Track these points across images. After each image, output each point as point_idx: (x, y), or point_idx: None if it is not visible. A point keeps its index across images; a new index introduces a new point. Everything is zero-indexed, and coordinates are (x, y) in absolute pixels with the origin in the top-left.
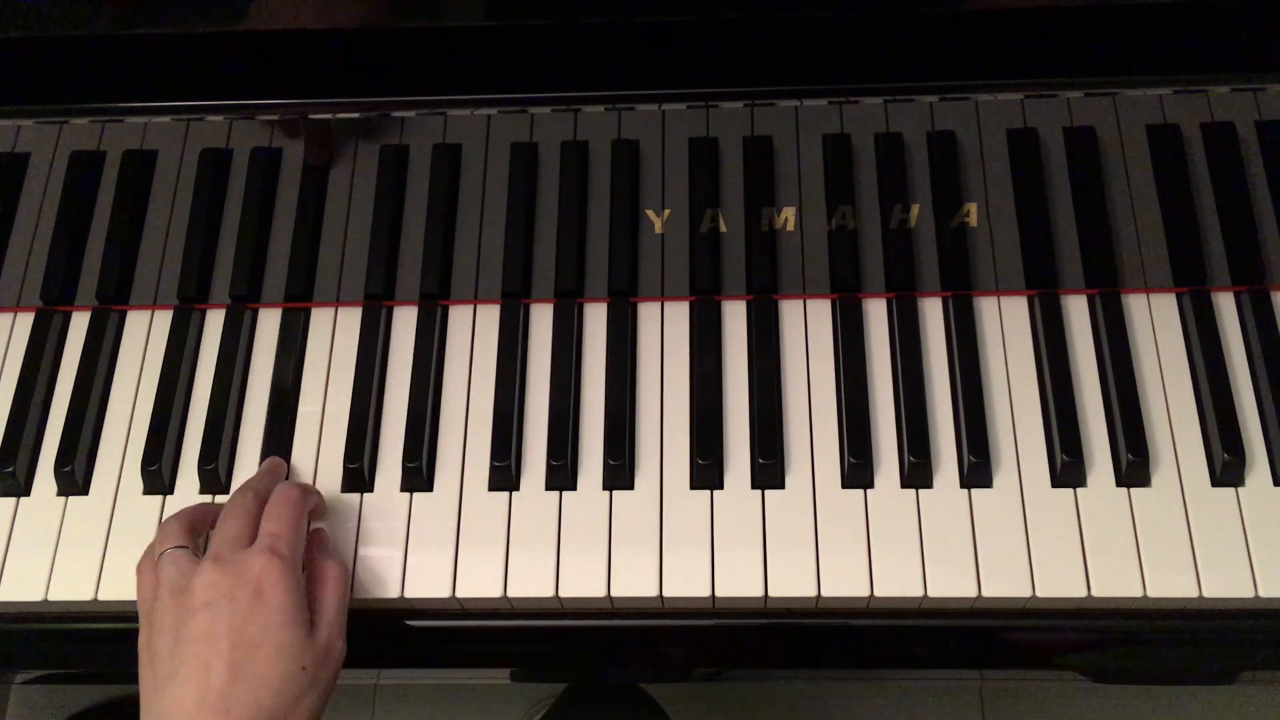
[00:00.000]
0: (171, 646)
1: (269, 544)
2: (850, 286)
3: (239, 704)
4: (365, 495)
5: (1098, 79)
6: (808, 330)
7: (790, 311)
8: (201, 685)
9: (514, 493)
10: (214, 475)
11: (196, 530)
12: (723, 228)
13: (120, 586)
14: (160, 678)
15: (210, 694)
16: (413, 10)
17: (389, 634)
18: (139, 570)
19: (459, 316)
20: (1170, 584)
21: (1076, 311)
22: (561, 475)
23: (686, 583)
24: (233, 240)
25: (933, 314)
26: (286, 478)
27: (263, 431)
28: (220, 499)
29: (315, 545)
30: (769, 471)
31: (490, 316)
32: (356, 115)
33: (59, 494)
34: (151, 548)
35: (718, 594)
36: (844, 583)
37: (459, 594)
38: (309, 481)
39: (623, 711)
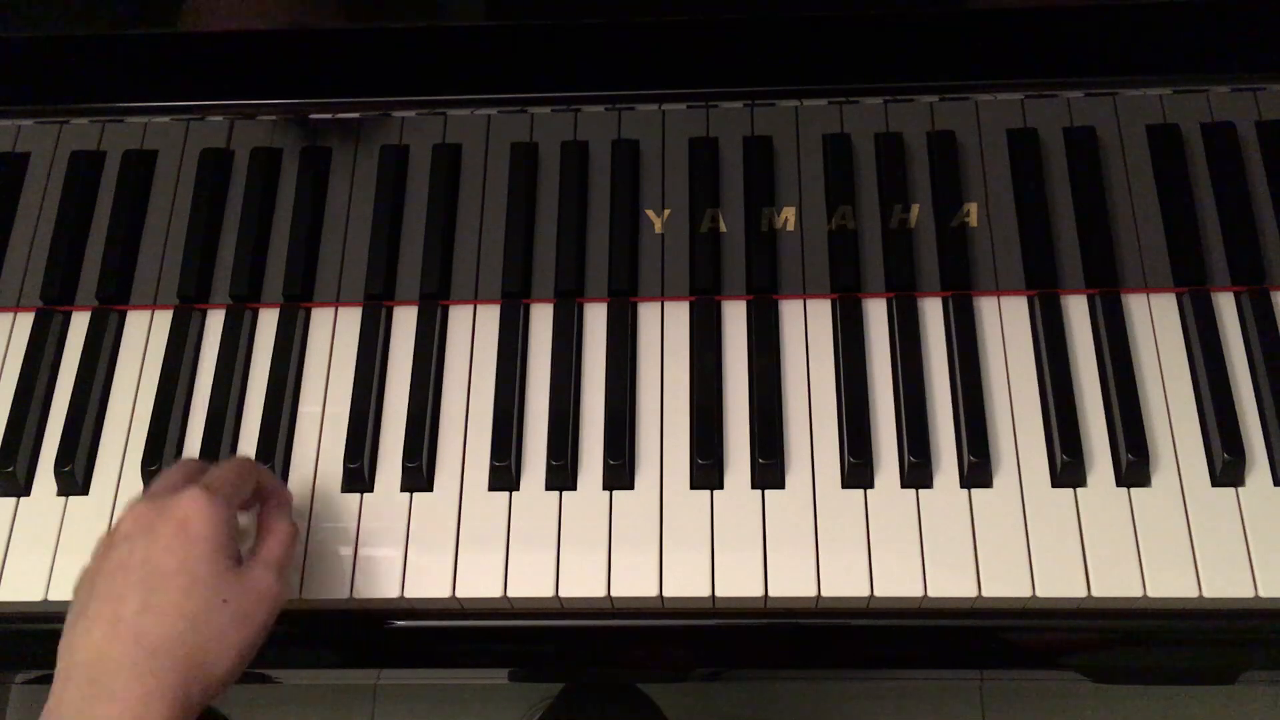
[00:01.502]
0: (89, 581)
1: (203, 481)
2: (850, 286)
3: (150, 633)
4: (365, 495)
5: (1098, 79)
6: (808, 330)
7: (790, 311)
8: (112, 615)
9: (514, 493)
10: None
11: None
12: (723, 228)
13: None
14: (76, 611)
15: (120, 624)
16: (413, 10)
17: (389, 634)
18: None
19: (459, 316)
20: (1170, 584)
21: (1076, 311)
22: (561, 475)
23: (686, 583)
24: (233, 240)
25: (933, 314)
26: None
27: (262, 431)
28: None
29: (272, 503)
30: (769, 471)
31: (490, 316)
32: (357, 115)
33: (59, 494)
34: None
35: (718, 594)
36: (844, 583)
37: (459, 594)
38: (308, 481)
39: (619, 711)
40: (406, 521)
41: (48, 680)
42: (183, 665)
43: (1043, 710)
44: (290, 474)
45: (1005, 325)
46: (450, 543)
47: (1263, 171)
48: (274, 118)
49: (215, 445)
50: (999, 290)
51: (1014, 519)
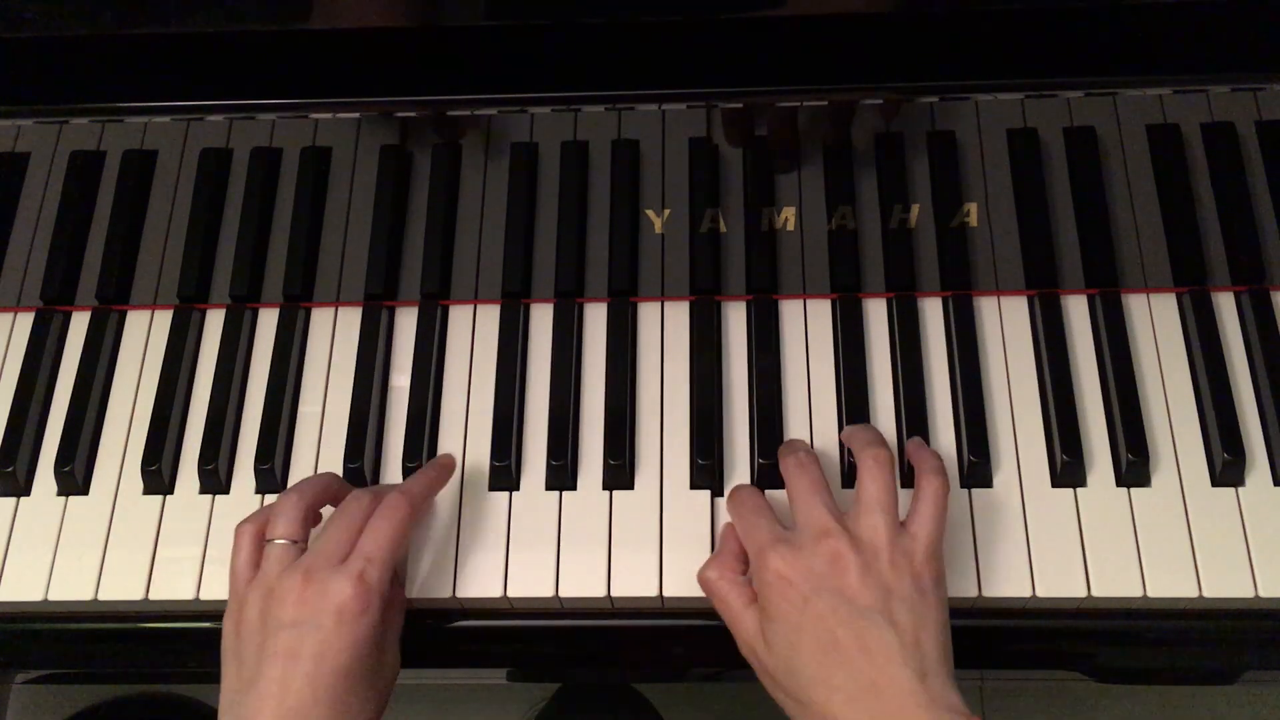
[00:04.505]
0: (256, 653)
1: (360, 569)
2: (850, 286)
3: None
4: None
5: (1098, 79)
6: (808, 330)
7: (790, 311)
8: (280, 701)
9: (514, 493)
10: (214, 475)
11: (318, 509)
12: (723, 228)
13: (120, 586)
14: (245, 680)
15: (287, 711)
16: (412, 10)
17: None
18: (239, 532)
19: (459, 316)
20: (1170, 584)
21: (1076, 311)
22: (561, 475)
23: (687, 582)
24: (233, 240)
25: (933, 314)
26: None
27: (262, 431)
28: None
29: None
30: (770, 472)
31: (490, 316)
32: (356, 116)
33: (59, 494)
34: (259, 515)
35: None
36: None
37: (459, 594)
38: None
39: (615, 712)
40: None
41: (47, 680)
42: None
43: (1043, 710)
44: (290, 474)
45: (1005, 325)
46: (450, 543)
47: (1263, 171)
48: (274, 117)
49: (215, 445)
50: (999, 290)
51: (1014, 519)
